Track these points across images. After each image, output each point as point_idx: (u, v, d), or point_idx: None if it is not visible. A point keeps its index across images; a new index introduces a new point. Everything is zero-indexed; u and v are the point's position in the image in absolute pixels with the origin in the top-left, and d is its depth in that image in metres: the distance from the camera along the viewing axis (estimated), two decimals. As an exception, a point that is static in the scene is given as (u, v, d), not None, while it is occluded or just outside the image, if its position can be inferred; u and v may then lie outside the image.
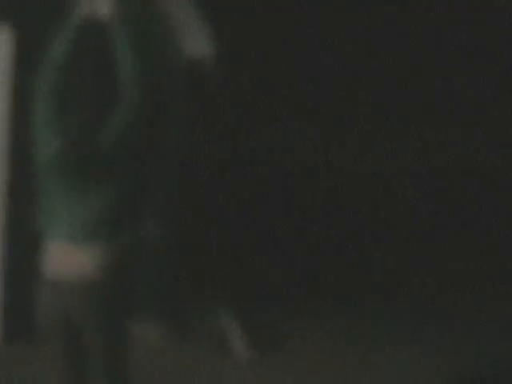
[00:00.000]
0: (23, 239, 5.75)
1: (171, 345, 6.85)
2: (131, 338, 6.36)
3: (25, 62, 5.91)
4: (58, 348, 3.31)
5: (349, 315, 7.50)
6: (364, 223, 9.57)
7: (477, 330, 7.09)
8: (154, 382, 5.68)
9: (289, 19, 9.58)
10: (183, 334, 7.10)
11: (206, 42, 8.23)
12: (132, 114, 3.23)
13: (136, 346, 6.23)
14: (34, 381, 5.36)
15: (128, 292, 3.47)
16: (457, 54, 9.95)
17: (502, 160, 10.10)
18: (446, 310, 7.71)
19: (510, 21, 9.75)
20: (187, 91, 8.33)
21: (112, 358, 3.38)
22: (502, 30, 9.84)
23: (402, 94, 9.97)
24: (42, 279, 3.27)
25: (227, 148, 9.87)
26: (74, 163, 3.15)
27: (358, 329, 7.15)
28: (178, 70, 8.31)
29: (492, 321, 7.33)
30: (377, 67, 9.88)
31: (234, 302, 7.29)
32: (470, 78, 9.95)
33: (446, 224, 9.58)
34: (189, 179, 8.16)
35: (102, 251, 3.20)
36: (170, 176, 8.38)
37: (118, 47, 3.26)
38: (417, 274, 8.63)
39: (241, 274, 8.45)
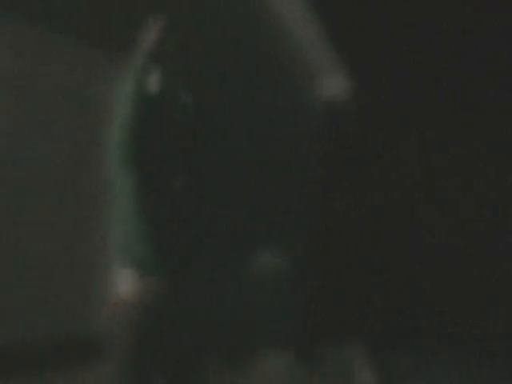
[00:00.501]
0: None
1: (299, 377, 7.14)
2: (259, 368, 6.64)
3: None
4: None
5: (471, 354, 7.66)
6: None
7: None
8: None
9: (421, 60, 9.39)
10: (311, 367, 7.31)
11: (342, 81, 8.61)
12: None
13: (265, 377, 6.71)
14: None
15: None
16: None
17: None
18: None
19: None
20: (324, 130, 8.78)
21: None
22: None
23: None
24: (112, 303, 3.31)
25: (356, 183, 9.86)
26: (149, 200, 3.26)
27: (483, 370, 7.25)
28: (314, 109, 8.81)
29: None
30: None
31: (363, 338, 7.56)
32: None
33: None
34: (321, 215, 8.59)
35: (163, 282, 3.30)
36: (299, 213, 8.80)
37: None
38: None
39: (371, 311, 8.77)
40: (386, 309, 8.85)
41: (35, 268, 6.10)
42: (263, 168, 8.55)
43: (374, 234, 9.88)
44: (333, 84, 9.16)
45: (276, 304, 7.61)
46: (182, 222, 3.44)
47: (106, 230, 3.43)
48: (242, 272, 7.85)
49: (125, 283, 3.32)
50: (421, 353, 7.69)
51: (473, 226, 9.87)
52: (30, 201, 6.09)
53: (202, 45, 7.31)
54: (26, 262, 6.03)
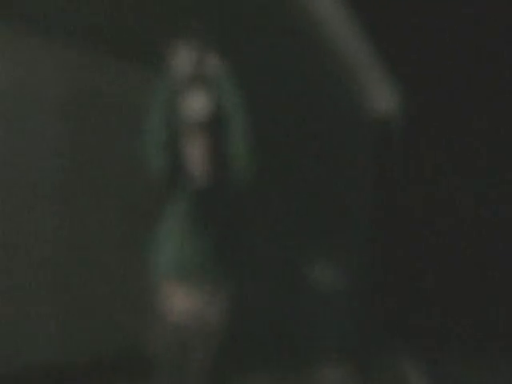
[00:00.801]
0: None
1: None
2: (318, 379, 6.50)
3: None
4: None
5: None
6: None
7: None
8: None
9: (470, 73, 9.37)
10: (368, 378, 7.25)
11: (392, 97, 8.68)
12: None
13: None
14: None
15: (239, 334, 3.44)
16: None
17: None
18: None
19: None
20: (373, 146, 8.86)
21: None
22: None
23: None
24: (160, 317, 3.31)
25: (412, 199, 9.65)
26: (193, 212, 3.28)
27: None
28: (364, 125, 8.90)
29: None
30: None
31: (416, 349, 7.57)
32: None
33: None
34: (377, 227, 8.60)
35: (211, 290, 3.27)
36: (357, 225, 8.86)
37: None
38: None
39: (425, 324, 8.84)
40: (443, 322, 8.76)
41: (86, 287, 6.11)
42: (315, 181, 8.53)
43: (430, 244, 9.80)
44: (382, 97, 9.17)
45: (334, 315, 7.56)
46: (235, 236, 3.37)
47: (152, 248, 3.37)
48: (301, 284, 7.81)
49: (174, 300, 3.24)
50: (477, 365, 7.50)
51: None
52: (81, 219, 6.12)
53: (247, 62, 7.33)
54: (77, 281, 6.04)
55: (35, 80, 5.79)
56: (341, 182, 8.94)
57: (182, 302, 3.30)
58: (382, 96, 9.03)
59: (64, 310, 5.89)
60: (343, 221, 9.01)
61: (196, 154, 3.38)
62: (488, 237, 10.22)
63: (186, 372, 3.29)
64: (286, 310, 7.74)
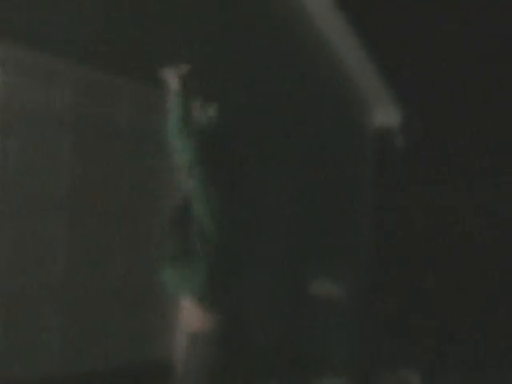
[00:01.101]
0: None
1: None
2: None
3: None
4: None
5: None
6: None
7: None
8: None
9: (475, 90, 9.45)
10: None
11: (395, 111, 8.64)
12: None
13: None
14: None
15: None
16: None
17: None
18: None
19: None
20: (375, 160, 8.84)
21: None
22: None
23: None
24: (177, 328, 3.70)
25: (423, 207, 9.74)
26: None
27: None
28: (366, 140, 8.89)
29: None
30: None
31: (419, 361, 7.47)
32: None
33: None
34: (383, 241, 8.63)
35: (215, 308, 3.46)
36: (359, 239, 8.86)
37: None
38: None
39: (428, 335, 8.69)
40: (442, 333, 8.80)
41: (111, 299, 6.31)
42: (316, 184, 8.64)
43: (433, 257, 9.85)
44: (384, 114, 9.19)
45: (334, 328, 7.63)
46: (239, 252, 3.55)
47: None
48: (302, 297, 7.90)
49: (192, 315, 3.46)
50: (479, 367, 7.57)
51: None
52: (109, 233, 6.33)
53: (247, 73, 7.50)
54: (103, 295, 6.27)
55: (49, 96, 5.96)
56: (341, 183, 9.04)
57: (194, 315, 3.46)
58: (384, 112, 9.05)
59: (78, 325, 6.05)
60: (344, 222, 9.11)
61: None
62: (488, 237, 10.30)
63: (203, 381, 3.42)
64: (287, 316, 7.84)
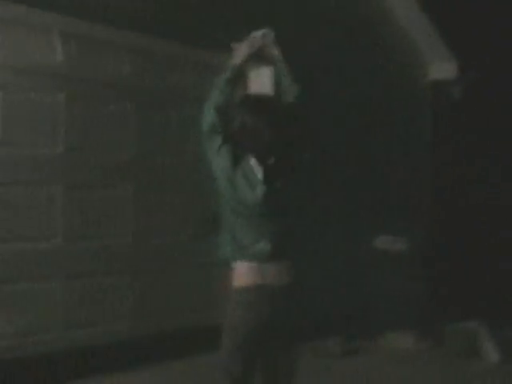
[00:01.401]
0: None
1: (423, 350, 7.32)
2: (383, 346, 7.19)
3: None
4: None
5: None
6: None
7: None
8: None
9: None
10: (434, 339, 7.47)
11: (449, 66, 8.42)
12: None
13: (389, 355, 7.02)
14: None
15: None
16: None
17: None
18: None
19: None
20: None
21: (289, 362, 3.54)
22: None
23: None
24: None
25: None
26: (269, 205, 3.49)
27: None
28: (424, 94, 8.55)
29: None
30: None
31: (486, 312, 7.49)
32: None
33: None
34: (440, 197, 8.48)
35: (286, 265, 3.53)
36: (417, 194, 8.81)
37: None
38: None
39: (491, 286, 8.80)
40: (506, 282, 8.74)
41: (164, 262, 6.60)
42: (371, 153, 8.66)
43: (493, 213, 9.69)
44: (440, 69, 9.13)
45: (397, 282, 7.64)
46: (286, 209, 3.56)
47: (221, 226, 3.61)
48: (361, 253, 7.94)
49: (241, 273, 3.50)
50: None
51: None
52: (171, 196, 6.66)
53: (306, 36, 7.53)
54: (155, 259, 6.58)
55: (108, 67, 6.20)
56: (403, 141, 9.11)
57: (249, 278, 3.46)
58: (440, 67, 8.98)
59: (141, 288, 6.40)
60: (403, 190, 9.07)
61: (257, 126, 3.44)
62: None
63: (257, 345, 3.43)
64: (351, 272, 7.88)
